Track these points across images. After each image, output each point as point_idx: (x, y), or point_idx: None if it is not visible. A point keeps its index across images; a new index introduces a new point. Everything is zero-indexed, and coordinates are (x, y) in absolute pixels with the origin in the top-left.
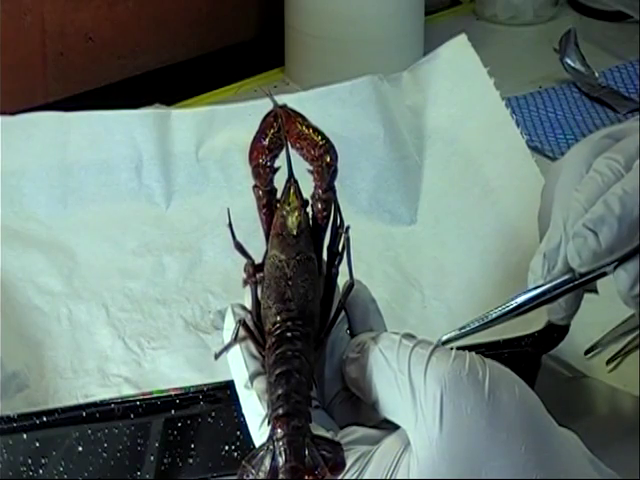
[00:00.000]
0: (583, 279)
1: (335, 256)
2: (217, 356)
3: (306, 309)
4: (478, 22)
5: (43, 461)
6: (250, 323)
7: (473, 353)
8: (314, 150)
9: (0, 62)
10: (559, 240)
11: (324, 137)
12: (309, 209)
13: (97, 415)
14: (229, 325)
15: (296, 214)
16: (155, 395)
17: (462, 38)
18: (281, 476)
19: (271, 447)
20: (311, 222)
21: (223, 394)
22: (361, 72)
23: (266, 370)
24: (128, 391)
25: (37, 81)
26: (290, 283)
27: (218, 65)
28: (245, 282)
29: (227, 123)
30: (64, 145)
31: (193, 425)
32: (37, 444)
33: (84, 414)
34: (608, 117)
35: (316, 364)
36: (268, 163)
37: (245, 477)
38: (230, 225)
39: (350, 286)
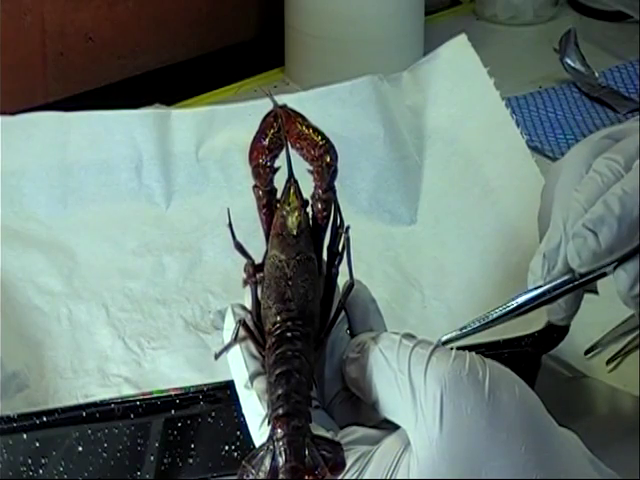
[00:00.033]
0: (583, 279)
1: (335, 256)
2: (217, 356)
3: (306, 309)
4: (478, 22)
5: (43, 461)
6: (250, 323)
7: (473, 353)
8: (314, 150)
9: (0, 62)
10: (559, 240)
11: (324, 137)
12: (309, 209)
13: (97, 415)
14: (229, 325)
15: (296, 214)
16: (155, 395)
17: (462, 38)
18: (281, 476)
19: (271, 447)
20: (311, 222)
21: (223, 394)
22: (361, 72)
23: (266, 370)
24: (128, 391)
25: (37, 81)
26: (290, 283)
27: (218, 65)
28: (245, 282)
29: (227, 123)
30: (64, 145)
31: (193, 425)
32: (37, 444)
33: (84, 414)
34: (608, 117)
35: (316, 364)
36: (268, 163)
37: (245, 477)
38: (230, 225)
39: (350, 286)
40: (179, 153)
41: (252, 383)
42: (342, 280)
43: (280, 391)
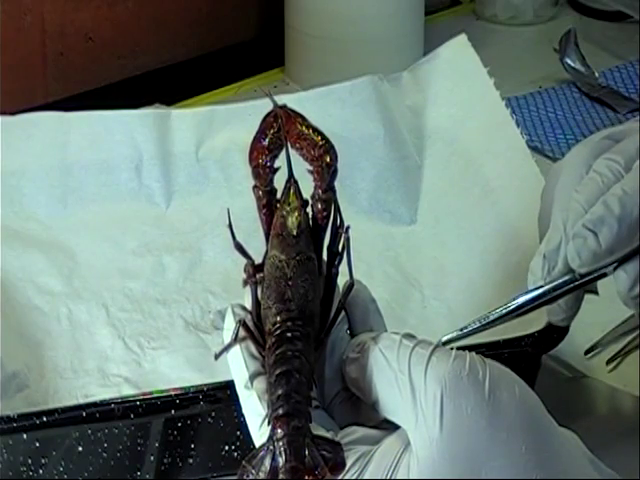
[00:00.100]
0: (583, 280)
1: (335, 256)
2: (217, 356)
3: (306, 309)
4: (478, 22)
5: (43, 461)
6: (250, 323)
7: (473, 353)
8: (314, 150)
9: (0, 62)
10: (559, 241)
11: (324, 137)
12: (309, 209)
13: (97, 415)
14: (229, 325)
15: (296, 214)
16: (155, 395)
17: (462, 38)
18: (281, 476)
19: (271, 447)
20: (311, 222)
21: (223, 394)
22: (361, 72)
23: (266, 370)
24: (128, 391)
25: (37, 81)
26: (290, 283)
27: (218, 65)
28: (245, 282)
29: (227, 123)
30: (64, 145)
31: (193, 425)
32: (37, 444)
33: (84, 414)
34: (608, 117)
35: (316, 364)
36: (268, 163)
37: (245, 477)
38: (230, 225)
39: (350, 286)
40: (179, 153)
41: (252, 383)
42: (342, 280)
43: (280, 391)
